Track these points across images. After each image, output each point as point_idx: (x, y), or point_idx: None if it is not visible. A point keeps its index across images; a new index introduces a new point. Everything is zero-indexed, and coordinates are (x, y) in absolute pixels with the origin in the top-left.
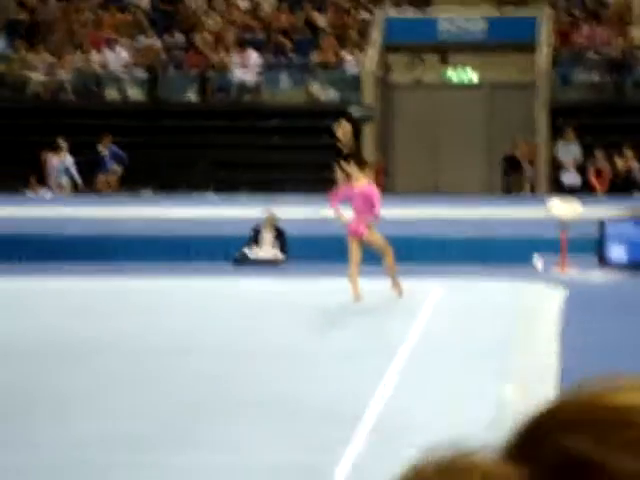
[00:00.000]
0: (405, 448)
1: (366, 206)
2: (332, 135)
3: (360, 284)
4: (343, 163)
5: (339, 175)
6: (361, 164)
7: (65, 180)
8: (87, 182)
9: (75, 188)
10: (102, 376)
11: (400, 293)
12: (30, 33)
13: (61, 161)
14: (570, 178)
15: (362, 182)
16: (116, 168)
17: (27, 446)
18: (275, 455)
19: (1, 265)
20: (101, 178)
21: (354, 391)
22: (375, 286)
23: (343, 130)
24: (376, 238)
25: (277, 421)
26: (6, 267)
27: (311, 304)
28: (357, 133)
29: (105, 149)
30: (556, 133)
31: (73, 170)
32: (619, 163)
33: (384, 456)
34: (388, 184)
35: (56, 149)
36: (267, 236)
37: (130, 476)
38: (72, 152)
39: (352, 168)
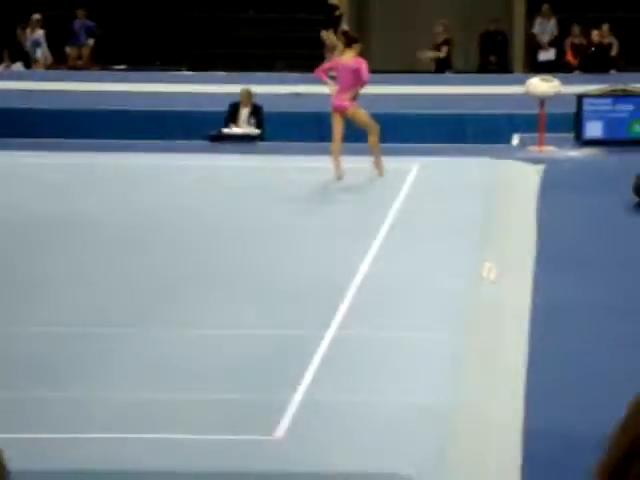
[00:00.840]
0: (382, 323)
1: (353, 81)
2: (309, 11)
3: (342, 162)
4: (330, 31)
5: (328, 41)
6: (350, 40)
7: (39, 54)
8: (61, 56)
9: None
10: (75, 252)
11: (381, 172)
12: None
13: (33, 35)
14: (546, 55)
15: (348, 57)
16: (89, 42)
17: (9, 322)
18: (260, 331)
19: None
20: (73, 51)
21: (336, 268)
22: (357, 164)
23: None
24: (361, 114)
25: (257, 297)
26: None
27: (290, 181)
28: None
29: (81, 23)
30: (532, 10)
31: (44, 44)
32: (595, 36)
33: (366, 331)
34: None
35: (28, 23)
36: (244, 112)
37: (105, 347)
38: (48, 27)
39: (338, 41)
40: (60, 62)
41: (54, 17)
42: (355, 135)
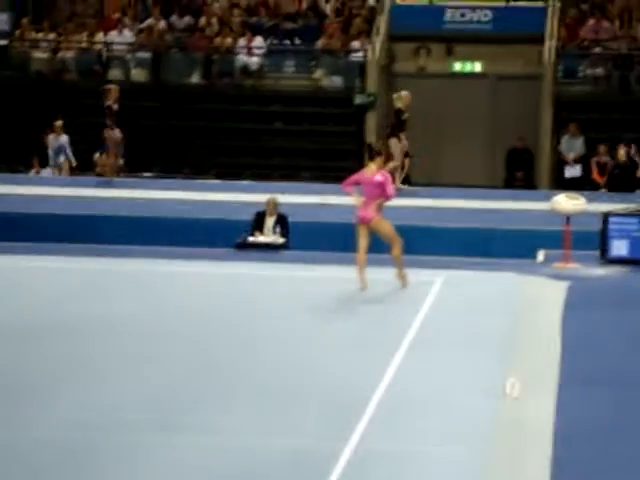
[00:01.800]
0: (402, 438)
1: (378, 194)
2: (335, 122)
3: (367, 273)
4: (396, 138)
5: (395, 148)
6: (373, 153)
7: (62, 160)
8: (89, 163)
9: (71, 168)
10: (97, 358)
11: (405, 284)
12: (35, 11)
13: (57, 141)
14: (572, 172)
15: (373, 170)
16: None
17: (22, 426)
18: (277, 440)
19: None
20: (104, 160)
21: (357, 379)
22: (381, 275)
23: (405, 100)
24: (385, 226)
25: (279, 407)
26: (2, 246)
27: (314, 291)
28: (359, 121)
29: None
30: (560, 127)
31: (68, 150)
32: (620, 155)
33: (386, 444)
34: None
35: (53, 129)
36: (269, 221)
37: (126, 457)
38: (74, 132)
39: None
40: (87, 169)
41: (82, 124)
42: (380, 246)
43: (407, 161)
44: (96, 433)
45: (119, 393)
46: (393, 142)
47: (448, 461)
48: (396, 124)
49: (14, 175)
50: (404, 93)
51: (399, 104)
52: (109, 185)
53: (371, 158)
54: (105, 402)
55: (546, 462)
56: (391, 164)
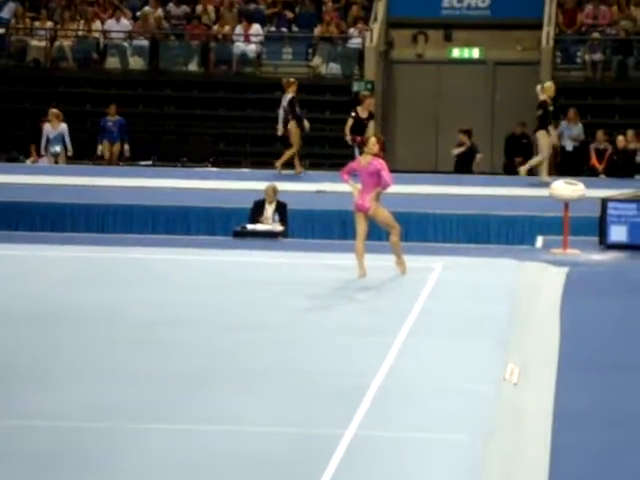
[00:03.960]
0: (402, 424)
1: (373, 180)
2: (334, 110)
3: (365, 260)
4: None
5: (543, 141)
6: (364, 140)
7: (60, 148)
8: (88, 151)
9: (67, 157)
10: (97, 345)
11: (404, 271)
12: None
13: (54, 129)
14: (571, 158)
15: (367, 159)
16: (124, 141)
17: (18, 414)
18: (276, 426)
19: None
20: (106, 146)
21: (356, 366)
22: (380, 262)
23: (549, 91)
24: (382, 214)
25: (278, 394)
26: (1, 235)
27: (312, 278)
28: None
29: (113, 119)
30: (558, 112)
31: (67, 138)
32: (620, 141)
33: (385, 430)
34: (387, 160)
35: (48, 117)
36: (268, 209)
37: (125, 444)
38: (72, 121)
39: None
40: (85, 158)
41: (79, 112)
42: (379, 234)
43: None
44: (99, 422)
45: (117, 381)
46: (541, 134)
47: (448, 447)
48: (542, 116)
49: (12, 164)
50: (548, 84)
51: (543, 96)
52: (107, 174)
53: (359, 146)
54: (101, 387)
55: (545, 447)
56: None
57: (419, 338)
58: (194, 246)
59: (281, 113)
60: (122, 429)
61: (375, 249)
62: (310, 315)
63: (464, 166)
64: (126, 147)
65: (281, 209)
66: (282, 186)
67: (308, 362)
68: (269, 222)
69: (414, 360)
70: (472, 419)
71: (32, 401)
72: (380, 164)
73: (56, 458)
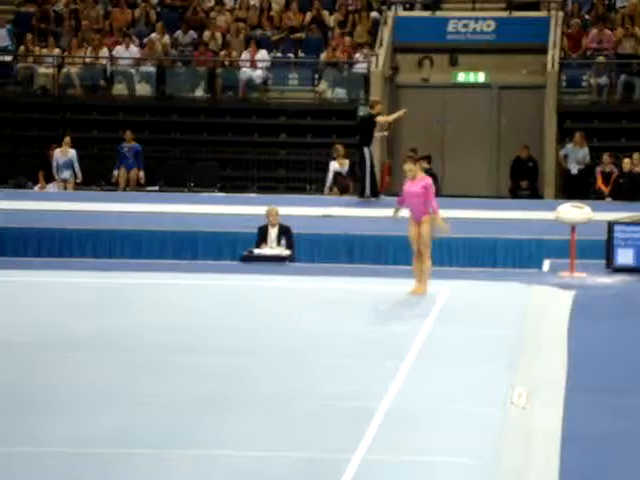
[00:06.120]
0: (410, 448)
1: (419, 204)
2: (340, 134)
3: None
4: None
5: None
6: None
7: (69, 175)
8: (96, 177)
9: (76, 183)
10: (106, 372)
11: (423, 292)
12: (39, 26)
13: (64, 155)
14: (577, 181)
15: (412, 179)
16: (139, 167)
17: (31, 441)
18: (282, 451)
19: (5, 259)
20: (122, 173)
21: (363, 389)
22: (388, 286)
23: None
24: (427, 234)
25: (284, 418)
26: (11, 261)
27: (319, 302)
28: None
29: (129, 145)
30: (564, 136)
31: (76, 164)
32: (626, 164)
33: (392, 455)
34: (394, 184)
35: (59, 143)
36: (272, 232)
37: (137, 470)
38: (80, 147)
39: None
40: (92, 183)
41: (86, 138)
42: (386, 258)
43: None
44: (102, 446)
45: (122, 409)
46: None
47: (456, 470)
48: None
49: (20, 191)
50: None
51: None
52: (114, 199)
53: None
54: (112, 414)
55: (553, 471)
56: None
57: (426, 362)
58: (202, 271)
59: None
60: (131, 455)
61: (384, 273)
62: (318, 339)
63: None
64: (141, 174)
65: (286, 233)
66: (289, 210)
67: (316, 386)
68: (273, 245)
69: (422, 384)
70: (480, 443)
71: (50, 428)
72: (426, 186)
73: None
